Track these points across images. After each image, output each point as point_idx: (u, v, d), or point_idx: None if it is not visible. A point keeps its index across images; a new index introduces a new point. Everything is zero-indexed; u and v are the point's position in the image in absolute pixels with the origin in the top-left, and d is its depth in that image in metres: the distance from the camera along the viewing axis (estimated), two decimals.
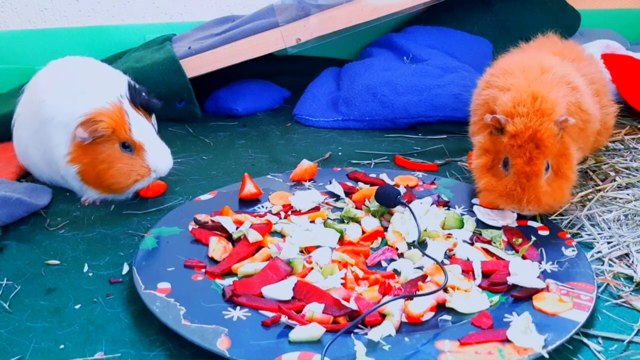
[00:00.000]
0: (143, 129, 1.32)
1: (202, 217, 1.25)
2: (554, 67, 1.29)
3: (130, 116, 1.30)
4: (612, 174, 1.47)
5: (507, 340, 0.87)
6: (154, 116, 1.45)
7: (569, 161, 1.24)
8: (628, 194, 1.36)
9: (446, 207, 1.32)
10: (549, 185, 1.22)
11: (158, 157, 1.32)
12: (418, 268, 1.09)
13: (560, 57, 1.38)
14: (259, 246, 1.16)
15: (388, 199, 1.25)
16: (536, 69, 1.28)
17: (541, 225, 1.22)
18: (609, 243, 1.18)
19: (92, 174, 1.33)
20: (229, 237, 1.19)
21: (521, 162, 1.19)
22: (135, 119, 1.31)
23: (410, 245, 1.16)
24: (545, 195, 1.20)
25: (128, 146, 1.31)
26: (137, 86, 1.39)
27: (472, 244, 1.17)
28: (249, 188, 1.36)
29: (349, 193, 1.38)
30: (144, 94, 1.39)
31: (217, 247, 1.14)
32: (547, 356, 0.84)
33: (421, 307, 0.95)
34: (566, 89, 1.25)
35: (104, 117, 1.28)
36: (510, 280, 1.01)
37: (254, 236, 1.16)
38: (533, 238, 1.16)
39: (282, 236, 1.21)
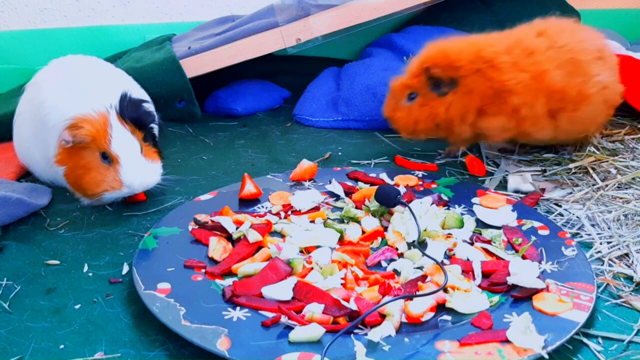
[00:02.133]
0: (124, 142, 1.30)
1: (202, 217, 1.25)
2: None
3: (114, 128, 1.30)
4: (612, 173, 1.47)
5: (507, 341, 0.87)
6: (155, 121, 1.45)
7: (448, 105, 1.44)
8: (628, 194, 1.36)
9: (446, 207, 1.32)
10: (406, 108, 1.50)
11: (133, 174, 1.30)
12: (418, 268, 1.09)
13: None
14: (259, 246, 1.16)
15: (388, 199, 1.25)
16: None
17: (541, 225, 1.22)
18: (608, 243, 1.18)
19: (73, 177, 1.34)
20: (229, 237, 1.19)
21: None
22: (119, 131, 1.30)
23: (410, 245, 1.16)
24: (389, 107, 1.53)
25: (107, 157, 1.30)
26: (132, 98, 1.36)
27: (472, 244, 1.17)
28: (249, 188, 1.36)
29: (349, 193, 1.38)
30: (143, 104, 1.38)
31: (217, 247, 1.14)
32: (547, 356, 0.84)
33: (421, 307, 0.95)
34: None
35: (87, 124, 1.28)
36: (510, 280, 1.01)
37: (254, 236, 1.16)
38: (533, 238, 1.16)
39: (282, 236, 1.21)
